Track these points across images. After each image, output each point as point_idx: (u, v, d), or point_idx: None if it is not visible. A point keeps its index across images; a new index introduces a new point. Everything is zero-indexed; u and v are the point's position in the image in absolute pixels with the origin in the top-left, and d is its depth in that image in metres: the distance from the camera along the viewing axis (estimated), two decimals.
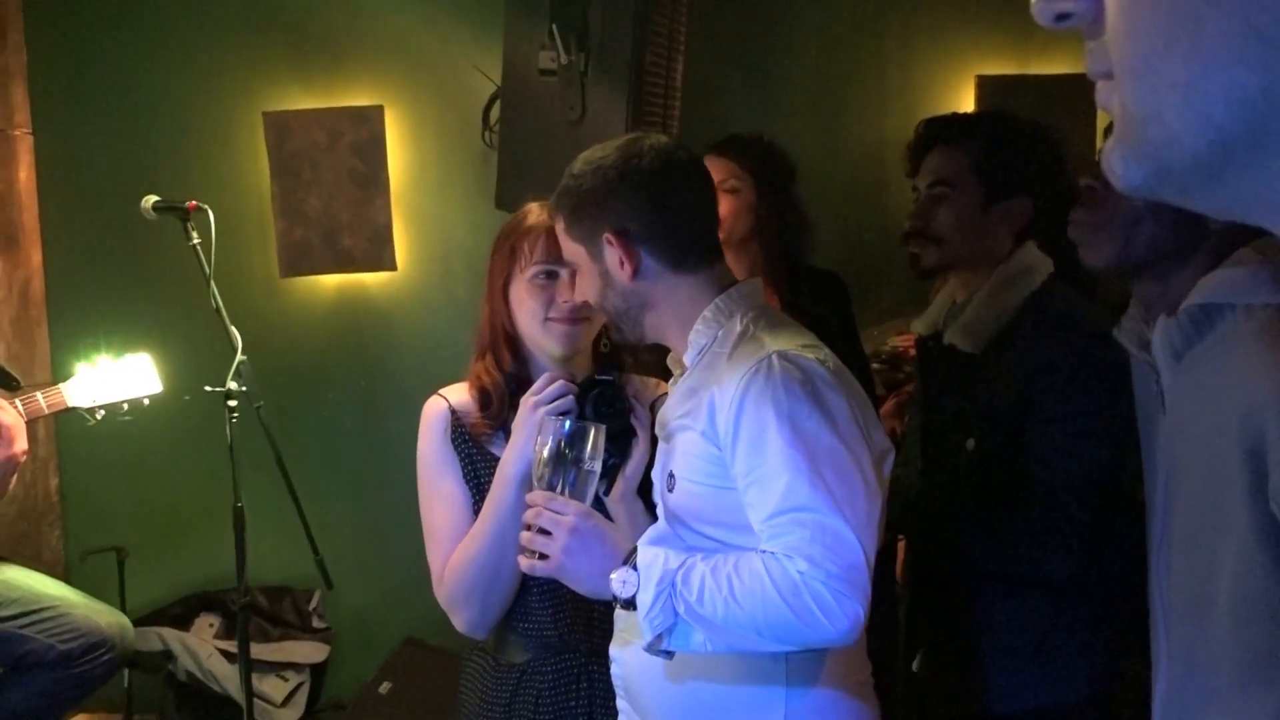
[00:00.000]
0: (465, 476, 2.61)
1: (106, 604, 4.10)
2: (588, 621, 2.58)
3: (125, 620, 4.06)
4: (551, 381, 2.47)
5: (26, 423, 3.59)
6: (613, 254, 2.19)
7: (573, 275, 2.41)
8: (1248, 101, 0.60)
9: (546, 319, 2.53)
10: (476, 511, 2.56)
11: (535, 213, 2.58)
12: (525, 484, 2.43)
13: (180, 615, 5.11)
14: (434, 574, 2.61)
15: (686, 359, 2.24)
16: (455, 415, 2.63)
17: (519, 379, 2.59)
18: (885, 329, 4.75)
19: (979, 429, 2.73)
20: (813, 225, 3.77)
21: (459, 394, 2.66)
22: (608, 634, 2.47)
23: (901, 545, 3.16)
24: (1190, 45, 0.61)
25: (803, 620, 1.95)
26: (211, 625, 5.05)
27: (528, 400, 2.48)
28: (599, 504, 2.40)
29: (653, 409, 2.56)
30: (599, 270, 2.23)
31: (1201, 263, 1.77)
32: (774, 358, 2.05)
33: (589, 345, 2.62)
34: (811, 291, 3.60)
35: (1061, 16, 0.70)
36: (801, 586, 1.94)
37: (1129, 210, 1.86)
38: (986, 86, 5.29)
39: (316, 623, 5.16)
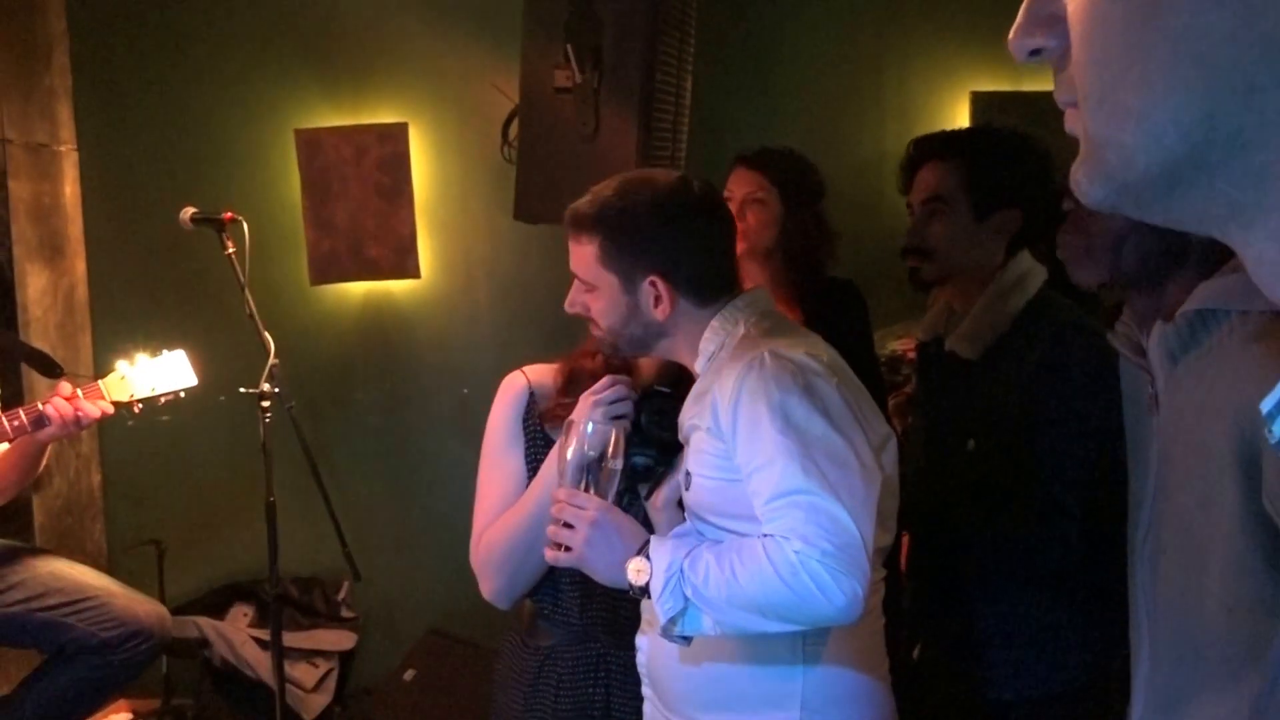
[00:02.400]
0: (527, 457, 2.62)
1: (146, 594, 4.09)
2: (613, 613, 2.59)
3: (163, 610, 4.05)
4: (613, 384, 2.45)
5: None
6: (650, 293, 2.21)
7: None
8: (1193, 125, 0.63)
9: None
10: None
11: None
12: (579, 475, 2.41)
13: (216, 605, 5.11)
14: (473, 536, 2.62)
15: (697, 366, 2.25)
16: (532, 396, 2.63)
17: (619, 370, 2.54)
18: (884, 334, 4.74)
19: (979, 430, 2.73)
20: (836, 239, 3.69)
21: (540, 375, 2.65)
22: (630, 627, 2.49)
23: (905, 540, 3.15)
24: (1140, 75, 0.64)
25: (801, 598, 1.95)
26: (245, 614, 5.05)
27: (588, 398, 2.46)
28: (639, 510, 2.44)
29: None
30: (628, 302, 2.24)
31: (1191, 271, 1.75)
32: (766, 354, 2.08)
33: None
34: (831, 302, 3.54)
35: (1034, 52, 0.73)
36: (798, 566, 1.94)
37: (1112, 229, 1.85)
38: (981, 103, 5.25)
39: (345, 612, 5.14)
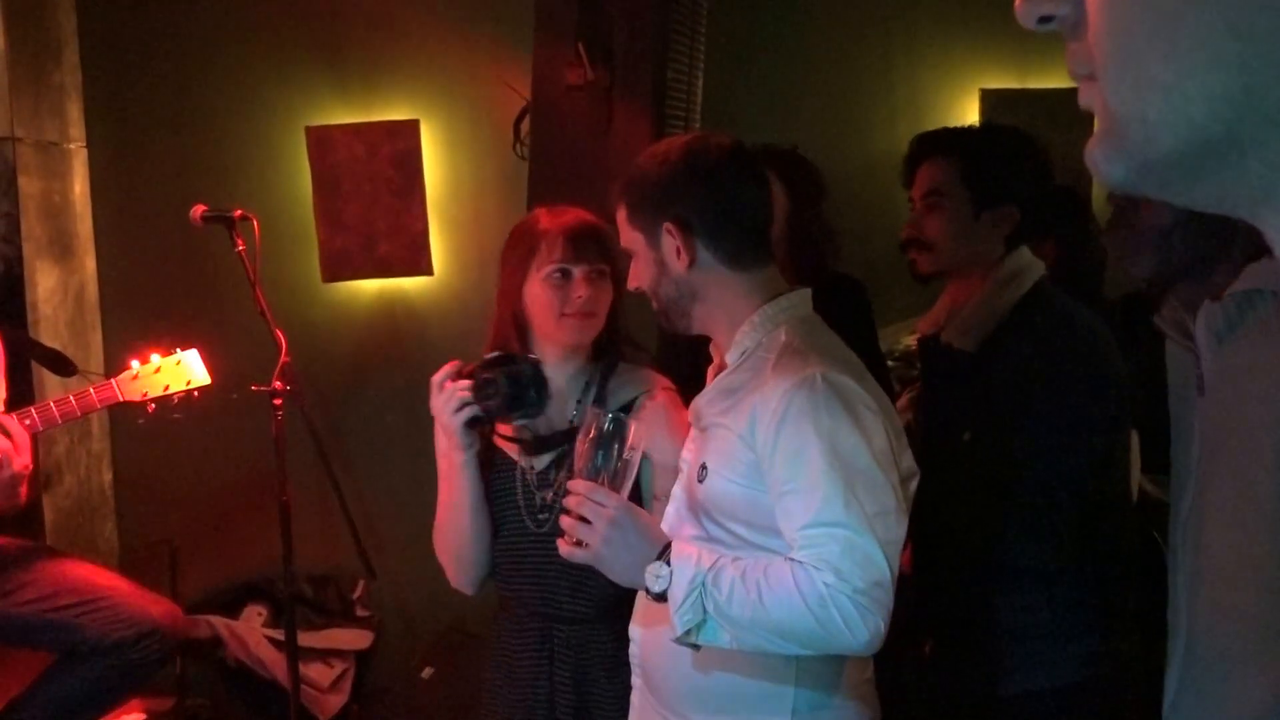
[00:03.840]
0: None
1: (158, 594, 4.10)
2: (550, 590, 2.68)
3: (176, 610, 4.04)
4: (456, 373, 2.62)
5: (80, 417, 3.64)
6: (670, 243, 2.21)
7: (587, 274, 2.61)
8: (1227, 100, 0.59)
9: (562, 314, 2.62)
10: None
11: (545, 217, 2.70)
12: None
13: (229, 604, 5.09)
14: None
15: (729, 358, 2.24)
16: None
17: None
18: (898, 329, 4.76)
19: (975, 422, 2.77)
20: (838, 236, 3.73)
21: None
22: (566, 601, 2.65)
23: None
24: (1170, 45, 0.60)
25: (826, 630, 1.97)
26: (260, 614, 5.03)
27: (435, 397, 2.64)
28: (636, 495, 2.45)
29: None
30: (655, 258, 2.24)
31: (1237, 253, 1.76)
32: (819, 377, 2.06)
33: (594, 338, 2.72)
34: (834, 298, 3.55)
35: (1045, 19, 0.69)
36: (827, 598, 1.96)
37: (1159, 222, 1.87)
38: (990, 99, 5.29)
39: (360, 611, 5.14)
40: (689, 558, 2.06)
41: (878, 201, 4.93)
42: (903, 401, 3.86)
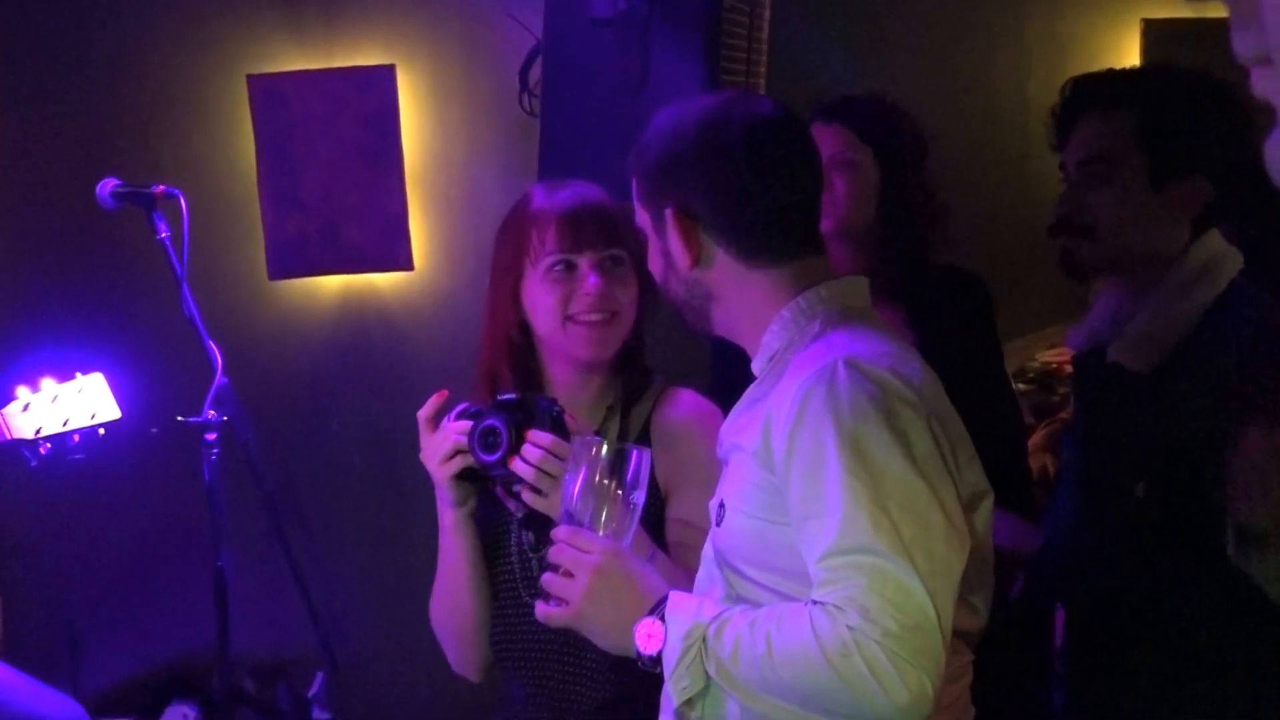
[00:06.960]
0: None
1: (56, 689, 4.11)
2: (532, 671, 2.75)
3: (79, 710, 4.07)
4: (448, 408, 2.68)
5: None
6: (674, 234, 2.21)
7: (596, 263, 2.66)
8: None
9: (567, 318, 2.65)
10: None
11: (539, 195, 2.73)
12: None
13: (147, 703, 5.14)
14: None
15: (755, 366, 2.26)
16: None
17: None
18: (1031, 341, 4.72)
19: (1152, 468, 2.70)
20: (948, 212, 3.66)
21: None
22: (568, 690, 2.69)
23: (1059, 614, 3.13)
24: None
25: (854, 689, 1.92)
26: (186, 716, 5.07)
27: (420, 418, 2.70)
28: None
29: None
30: (660, 247, 2.27)
31: None
32: (840, 365, 2.04)
33: (617, 348, 2.74)
34: (944, 297, 3.49)
35: None
36: (853, 647, 1.91)
37: None
38: (1155, 34, 5.22)
39: (317, 713, 5.16)
40: (687, 609, 2.07)
41: (1007, 172, 4.91)
42: (1037, 438, 3.83)
